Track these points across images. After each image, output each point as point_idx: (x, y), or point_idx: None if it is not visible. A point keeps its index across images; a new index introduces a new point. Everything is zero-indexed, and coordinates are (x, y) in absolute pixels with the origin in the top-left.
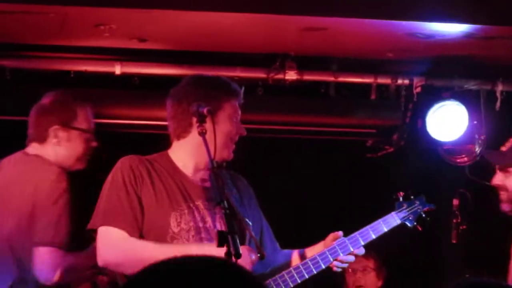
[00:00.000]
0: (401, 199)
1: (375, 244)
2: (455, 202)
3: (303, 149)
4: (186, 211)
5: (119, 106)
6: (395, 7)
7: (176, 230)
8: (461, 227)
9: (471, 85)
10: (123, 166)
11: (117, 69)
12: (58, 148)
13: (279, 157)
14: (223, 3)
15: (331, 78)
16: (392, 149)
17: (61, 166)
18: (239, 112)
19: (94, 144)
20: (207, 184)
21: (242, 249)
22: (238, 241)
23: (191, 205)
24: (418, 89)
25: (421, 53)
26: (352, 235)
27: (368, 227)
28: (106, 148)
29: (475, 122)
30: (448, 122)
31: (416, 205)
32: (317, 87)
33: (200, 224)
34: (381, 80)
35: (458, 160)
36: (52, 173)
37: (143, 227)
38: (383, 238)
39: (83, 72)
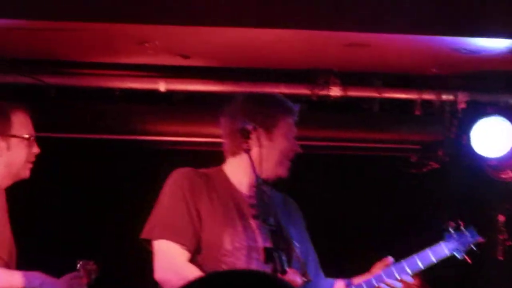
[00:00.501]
0: (451, 229)
1: None
2: (501, 218)
3: (347, 165)
4: (240, 229)
5: (163, 123)
6: (439, 23)
7: (229, 247)
8: (507, 243)
9: None
10: (182, 178)
11: (161, 86)
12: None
13: (323, 173)
14: (267, 19)
15: (375, 94)
16: (437, 165)
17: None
18: (295, 129)
19: (36, 150)
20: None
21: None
22: (284, 258)
23: (245, 223)
24: (463, 105)
25: (465, 68)
26: (399, 263)
27: (416, 256)
28: (151, 164)
29: None
30: (493, 137)
31: (466, 236)
32: (361, 103)
33: (252, 244)
34: (426, 96)
35: (503, 176)
36: None
37: (202, 241)
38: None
39: (127, 89)
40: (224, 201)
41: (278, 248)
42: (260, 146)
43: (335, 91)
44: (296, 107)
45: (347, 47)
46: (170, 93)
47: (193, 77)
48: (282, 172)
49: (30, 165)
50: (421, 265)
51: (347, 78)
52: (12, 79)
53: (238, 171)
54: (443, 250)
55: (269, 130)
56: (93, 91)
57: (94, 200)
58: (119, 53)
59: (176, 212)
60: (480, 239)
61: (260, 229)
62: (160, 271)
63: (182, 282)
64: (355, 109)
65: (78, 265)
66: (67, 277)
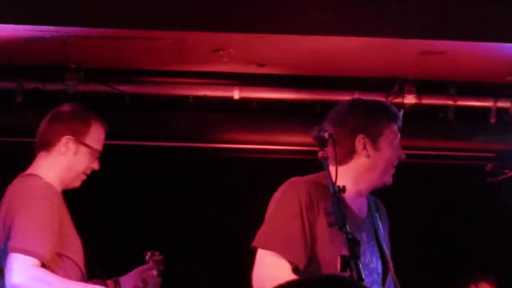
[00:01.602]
0: None
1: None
2: None
3: (421, 174)
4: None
5: (238, 131)
6: None
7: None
8: None
9: None
10: (301, 192)
11: (236, 94)
12: (63, 157)
13: (397, 181)
14: (341, 27)
15: (450, 102)
16: None
17: (58, 180)
18: (399, 136)
19: (96, 166)
20: (364, 213)
21: None
22: (360, 266)
23: (358, 238)
24: None
25: None
26: None
27: None
28: (224, 173)
29: None
30: None
31: None
32: (435, 111)
33: (362, 259)
34: (501, 104)
35: None
36: (31, 183)
37: (314, 259)
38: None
39: (202, 97)
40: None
41: (355, 256)
42: (367, 156)
43: (409, 99)
44: (400, 113)
45: (422, 55)
46: (244, 101)
47: (268, 85)
48: (388, 179)
49: (84, 177)
50: None
51: (422, 86)
52: (86, 88)
53: (346, 182)
54: None
55: (375, 139)
56: (167, 99)
57: (169, 208)
58: (194, 61)
59: (290, 228)
60: None
61: (368, 243)
62: (260, 281)
63: None
64: (430, 118)
65: (147, 257)
66: (138, 270)
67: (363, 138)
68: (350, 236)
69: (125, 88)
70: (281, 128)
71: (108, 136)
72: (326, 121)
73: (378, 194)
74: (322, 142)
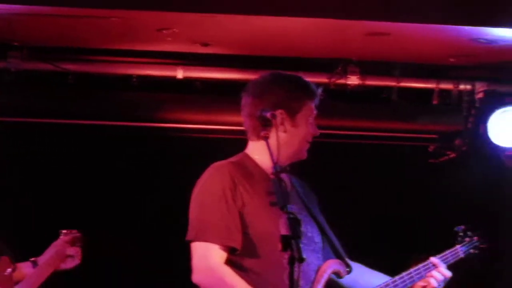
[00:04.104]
0: (462, 233)
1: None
2: None
3: (364, 154)
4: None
5: (181, 111)
6: (457, 12)
7: (276, 234)
8: None
9: None
10: (221, 175)
11: (179, 74)
12: None
13: (340, 162)
14: (286, 8)
15: (393, 83)
16: (454, 155)
17: None
18: (315, 112)
19: None
20: (288, 187)
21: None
22: (301, 245)
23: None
24: (481, 95)
25: (483, 58)
26: (417, 268)
27: (438, 256)
28: (167, 152)
29: None
30: (510, 127)
31: (476, 241)
32: (379, 92)
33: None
34: (443, 86)
35: None
36: None
37: (252, 237)
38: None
39: (145, 76)
40: (263, 189)
41: (296, 235)
42: (284, 131)
43: (353, 80)
44: (319, 90)
45: (367, 36)
46: (188, 81)
47: (211, 65)
48: (303, 155)
49: None
50: (448, 262)
51: (366, 67)
52: (31, 66)
53: (263, 157)
54: (458, 253)
55: (293, 115)
56: (110, 78)
57: (108, 185)
58: (138, 40)
59: (217, 213)
60: (488, 245)
61: (300, 215)
62: (198, 275)
63: (218, 283)
64: (374, 99)
65: (62, 235)
66: (52, 248)
67: (282, 114)
68: (291, 216)
69: (69, 66)
70: (224, 108)
71: (50, 114)
72: (245, 93)
73: (321, 175)
74: (264, 122)
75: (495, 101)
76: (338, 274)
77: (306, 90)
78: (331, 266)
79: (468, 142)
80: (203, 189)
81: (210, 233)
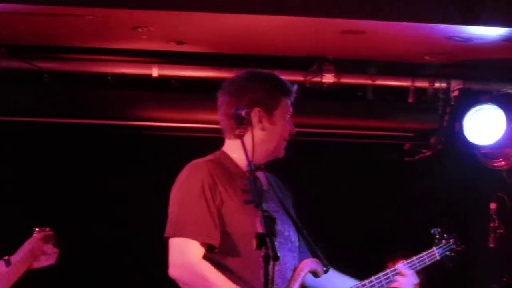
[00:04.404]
0: (438, 235)
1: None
2: (493, 206)
3: (339, 153)
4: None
5: (156, 109)
6: (433, 10)
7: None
8: (498, 231)
9: (509, 89)
10: (201, 173)
11: (155, 72)
12: None
13: (315, 160)
14: (262, 5)
15: (369, 82)
16: (429, 153)
17: None
18: (291, 110)
19: None
20: (265, 185)
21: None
22: (276, 244)
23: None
24: (456, 93)
25: (458, 56)
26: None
27: (414, 258)
28: (142, 150)
29: None
30: (485, 125)
31: (452, 243)
32: (354, 90)
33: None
34: (419, 84)
35: (495, 164)
36: None
37: (231, 235)
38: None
39: (121, 74)
40: (241, 187)
41: (271, 233)
42: (262, 129)
43: (328, 78)
44: (294, 88)
45: (342, 34)
46: (163, 79)
47: (187, 63)
48: (281, 152)
49: None
50: (418, 267)
51: (341, 65)
52: (7, 64)
53: (241, 155)
54: (435, 254)
55: (270, 112)
56: (86, 76)
57: (84, 183)
58: (113, 39)
59: (196, 210)
60: (463, 247)
61: (277, 213)
62: (175, 270)
63: (193, 278)
64: (349, 97)
65: (35, 232)
66: (25, 246)
67: (259, 112)
68: (266, 213)
69: (45, 65)
70: (200, 106)
71: (26, 113)
72: (221, 92)
73: (297, 173)
74: (239, 120)
75: (470, 99)
76: (315, 273)
77: (282, 88)
78: (308, 265)
79: (444, 140)
80: (182, 187)
81: (189, 229)
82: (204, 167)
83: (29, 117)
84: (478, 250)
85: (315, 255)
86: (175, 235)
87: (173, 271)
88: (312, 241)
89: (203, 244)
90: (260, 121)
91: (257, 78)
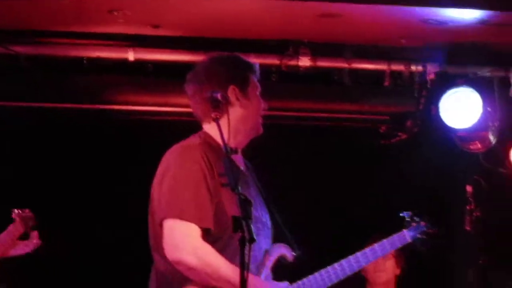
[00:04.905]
0: (408, 218)
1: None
2: (469, 188)
3: (316, 136)
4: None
5: (133, 93)
6: None
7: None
8: (475, 214)
9: (485, 72)
10: (199, 156)
11: (131, 56)
12: None
13: (291, 144)
14: None
15: (345, 65)
16: (405, 136)
17: None
18: (259, 86)
19: None
20: (244, 170)
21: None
22: (252, 226)
23: (249, 195)
24: (432, 76)
25: (434, 39)
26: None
27: (385, 241)
28: (119, 134)
29: (488, 109)
30: (461, 109)
31: (423, 226)
32: (330, 74)
33: (254, 214)
34: (395, 67)
35: (471, 147)
36: None
37: (219, 219)
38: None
39: (96, 58)
40: (232, 171)
41: (247, 216)
42: (241, 106)
43: (304, 62)
44: (257, 65)
45: (319, 17)
46: (139, 63)
47: (163, 47)
48: (260, 129)
49: None
50: (389, 249)
51: (317, 49)
52: None
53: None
54: (405, 237)
55: (244, 89)
56: (61, 60)
57: (59, 166)
58: (89, 22)
59: (198, 194)
60: (435, 230)
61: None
62: (178, 253)
63: (199, 263)
64: (325, 80)
65: (13, 214)
66: (7, 231)
67: (234, 89)
68: (242, 197)
69: (20, 49)
70: (176, 90)
71: (1, 97)
72: (189, 83)
73: (273, 157)
74: (215, 103)
75: (446, 82)
76: (285, 258)
77: (247, 65)
78: (277, 250)
79: (420, 123)
80: (180, 170)
81: (192, 213)
82: (199, 149)
83: (4, 101)
84: (456, 233)
85: (285, 241)
86: (177, 217)
87: (179, 254)
88: (284, 226)
89: (202, 228)
90: (237, 99)
91: (221, 60)
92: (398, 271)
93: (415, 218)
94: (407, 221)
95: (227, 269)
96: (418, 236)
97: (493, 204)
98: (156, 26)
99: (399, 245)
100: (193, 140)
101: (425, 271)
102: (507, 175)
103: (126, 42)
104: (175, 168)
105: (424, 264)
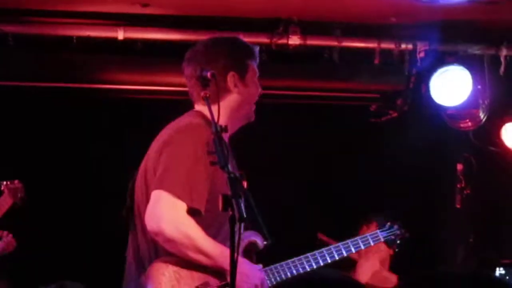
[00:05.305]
0: (381, 221)
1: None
2: (459, 167)
3: (306, 114)
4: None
5: (122, 72)
6: None
7: None
8: (465, 192)
9: (475, 50)
10: (200, 136)
11: (120, 34)
12: None
13: (282, 122)
14: None
15: (335, 43)
16: (396, 114)
17: None
18: (258, 72)
19: None
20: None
21: (250, 234)
22: (242, 205)
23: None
24: (422, 54)
25: (424, 17)
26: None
27: (358, 238)
28: (108, 113)
29: (479, 86)
30: (452, 87)
31: (395, 228)
32: (320, 52)
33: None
34: (385, 45)
35: (461, 125)
36: None
37: (213, 199)
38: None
39: (86, 37)
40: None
41: (237, 195)
42: (238, 92)
43: (294, 40)
44: (257, 50)
45: None
46: (129, 42)
47: (152, 25)
48: (252, 116)
49: None
50: (362, 247)
51: (307, 27)
52: None
53: (222, 118)
54: (379, 237)
55: (243, 76)
56: (51, 39)
57: (47, 145)
58: (78, 1)
59: (194, 174)
60: (405, 235)
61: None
62: (158, 221)
63: (180, 235)
64: (315, 59)
65: (2, 186)
66: None
67: (234, 76)
68: (232, 175)
69: (9, 28)
70: (166, 69)
71: None
72: (189, 62)
73: (263, 135)
74: (204, 82)
75: (436, 61)
76: (255, 245)
77: (248, 51)
78: (247, 236)
79: (410, 102)
80: (183, 148)
81: (183, 190)
82: (201, 129)
83: None
84: (447, 212)
85: (257, 227)
86: (168, 190)
87: (159, 224)
88: (258, 213)
89: (190, 207)
90: (236, 86)
91: (223, 44)
92: (391, 251)
93: (388, 221)
94: (382, 222)
95: (206, 242)
96: (391, 237)
97: (483, 182)
98: (145, 5)
99: (372, 244)
100: (195, 119)
101: (416, 249)
102: (497, 153)
103: (115, 21)
104: (177, 146)
105: (416, 245)
